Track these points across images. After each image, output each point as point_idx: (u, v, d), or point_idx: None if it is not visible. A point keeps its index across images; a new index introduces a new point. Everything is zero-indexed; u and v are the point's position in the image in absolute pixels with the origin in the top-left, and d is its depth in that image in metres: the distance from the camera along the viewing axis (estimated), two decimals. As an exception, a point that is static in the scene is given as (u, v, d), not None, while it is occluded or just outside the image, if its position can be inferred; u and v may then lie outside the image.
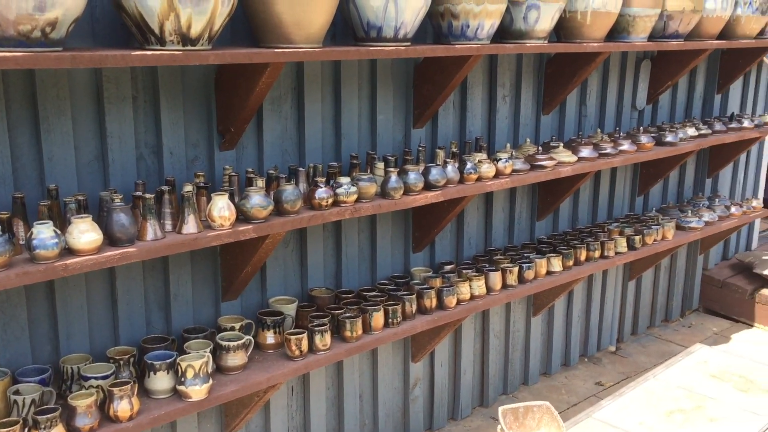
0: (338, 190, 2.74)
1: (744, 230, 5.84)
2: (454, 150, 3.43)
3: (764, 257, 5.42)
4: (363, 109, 3.22)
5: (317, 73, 3.00)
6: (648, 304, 5.12)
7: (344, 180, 2.77)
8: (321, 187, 2.70)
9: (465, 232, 3.77)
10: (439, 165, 3.12)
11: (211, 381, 2.46)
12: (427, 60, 3.27)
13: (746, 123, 4.81)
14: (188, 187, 2.42)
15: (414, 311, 3.17)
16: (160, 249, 2.29)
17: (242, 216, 2.51)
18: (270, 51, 2.44)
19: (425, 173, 3.08)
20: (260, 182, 2.61)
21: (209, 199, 2.46)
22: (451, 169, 3.15)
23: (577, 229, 4.33)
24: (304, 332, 2.77)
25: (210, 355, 2.51)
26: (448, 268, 3.55)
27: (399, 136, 3.40)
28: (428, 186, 3.07)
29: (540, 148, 3.63)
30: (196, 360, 2.42)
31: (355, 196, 2.78)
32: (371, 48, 2.74)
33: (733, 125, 4.75)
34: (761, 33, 4.73)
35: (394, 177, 2.93)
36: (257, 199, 2.49)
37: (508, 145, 3.65)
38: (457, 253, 3.79)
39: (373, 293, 3.19)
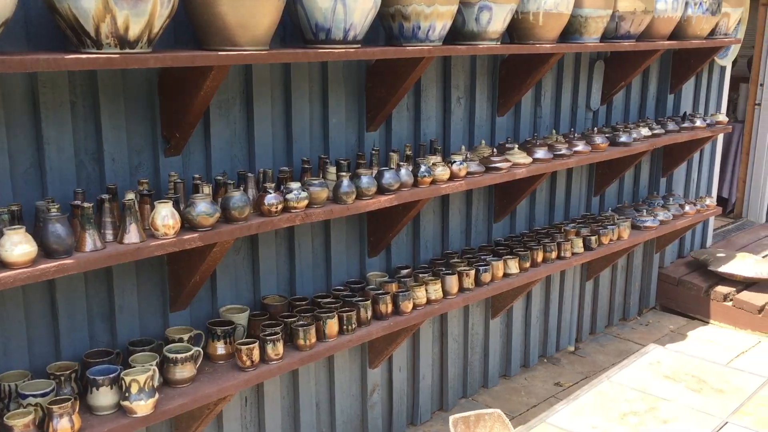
0: (288, 196, 2.68)
1: (699, 228, 5.91)
2: (409, 153, 3.40)
3: (719, 255, 5.50)
4: (315, 112, 3.17)
5: (266, 76, 2.94)
6: (606, 303, 5.15)
7: (294, 185, 2.71)
8: (270, 193, 2.63)
9: (421, 236, 3.73)
10: (392, 168, 3.07)
11: (157, 395, 2.38)
12: (379, 62, 3.23)
13: (699, 122, 4.87)
14: (130, 195, 2.34)
15: (369, 317, 3.12)
16: (100, 260, 2.20)
17: (188, 224, 2.43)
18: (213, 54, 2.37)
19: (378, 177, 3.03)
20: (207, 189, 2.53)
21: (153, 207, 2.38)
22: (405, 173, 3.11)
23: (534, 230, 4.33)
24: (256, 342, 2.70)
25: (156, 369, 2.42)
26: (404, 272, 3.50)
27: (352, 140, 3.35)
28: (381, 190, 3.03)
29: (495, 149, 3.62)
30: (141, 374, 2.34)
31: (305, 202, 2.72)
32: (320, 50, 2.68)
33: (686, 125, 4.80)
34: (712, 33, 4.79)
35: (346, 181, 2.87)
36: (203, 207, 2.42)
37: (463, 147, 3.62)
38: (414, 256, 3.75)
39: (328, 300, 3.14)
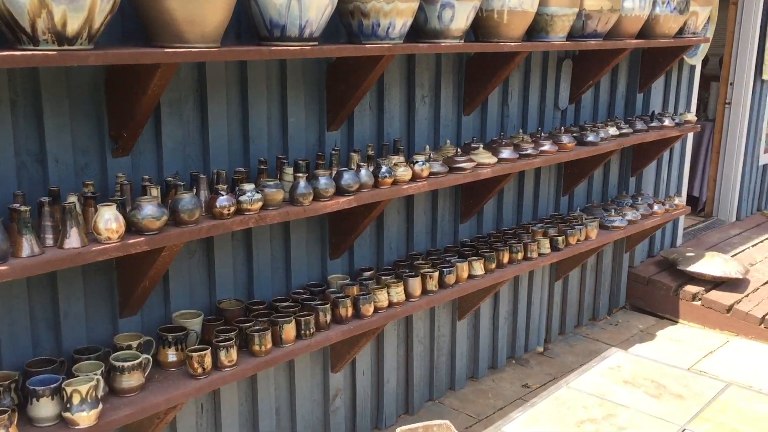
0: (241, 198, 2.60)
1: (669, 227, 5.91)
2: (371, 153, 3.33)
3: (688, 254, 5.50)
4: (273, 111, 3.09)
5: (221, 74, 2.85)
6: (575, 303, 5.13)
7: (248, 187, 2.63)
8: (222, 195, 2.55)
9: (385, 237, 3.67)
10: (351, 169, 3.00)
11: (101, 406, 2.29)
12: (339, 60, 3.16)
13: (667, 122, 4.85)
14: (71, 198, 2.25)
15: (329, 321, 3.05)
16: (38, 266, 2.11)
17: (133, 228, 2.34)
18: (159, 51, 2.28)
19: (337, 178, 2.96)
20: (154, 191, 2.45)
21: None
22: (365, 173, 3.04)
23: (502, 230, 4.28)
24: (208, 348, 2.62)
25: (100, 378, 2.33)
26: (367, 274, 3.44)
27: (313, 139, 3.27)
28: (340, 191, 2.95)
29: (459, 149, 3.56)
30: (83, 384, 2.25)
31: (259, 204, 2.64)
32: (273, 48, 2.60)
33: (654, 124, 4.78)
34: (680, 32, 4.77)
35: (302, 182, 2.80)
36: (149, 210, 2.33)
37: (427, 147, 3.56)
38: (378, 258, 3.68)
39: (286, 304, 3.06)
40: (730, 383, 2.46)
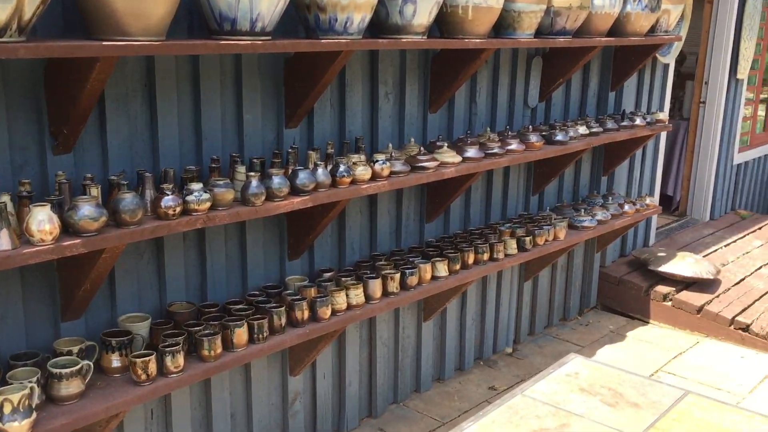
0: (188, 198, 2.51)
1: (641, 226, 5.88)
2: (330, 151, 3.23)
3: (659, 254, 5.47)
4: (228, 107, 2.99)
5: (171, 69, 2.75)
6: (545, 303, 5.07)
7: (195, 186, 2.53)
8: (168, 195, 2.45)
9: (347, 237, 3.58)
10: (307, 168, 2.91)
11: (35, 415, 2.19)
12: (297, 56, 3.06)
13: (638, 121, 4.80)
14: (3, 198, 2.14)
15: (284, 324, 2.96)
16: (-37, 270, 2.00)
17: (70, 229, 2.24)
18: (96, 44, 2.18)
19: (292, 177, 2.87)
20: (94, 190, 2.34)
21: (32, 211, 2.18)
22: (322, 173, 2.96)
23: (469, 230, 4.21)
24: (152, 354, 2.52)
25: (35, 386, 2.23)
26: (327, 275, 3.35)
27: (271, 137, 3.17)
28: (296, 191, 2.86)
29: (422, 148, 3.48)
30: (15, 393, 2.14)
31: (208, 204, 2.55)
32: (222, 42, 2.50)
33: (625, 123, 4.73)
34: (652, 30, 4.72)
35: (254, 182, 2.71)
36: (87, 210, 2.23)
37: (390, 145, 3.48)
38: (340, 259, 3.60)
39: (240, 306, 2.97)
40: (688, 392, 2.41)
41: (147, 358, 2.49)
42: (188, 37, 2.73)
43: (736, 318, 4.95)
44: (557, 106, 4.73)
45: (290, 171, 2.91)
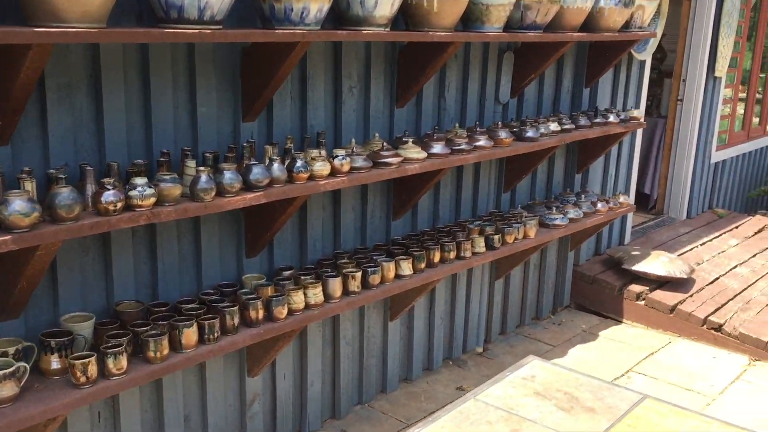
0: (131, 193, 2.40)
1: (617, 225, 5.82)
2: (289, 146, 3.14)
3: (633, 252, 5.41)
4: (180, 99, 2.88)
5: (118, 59, 2.64)
6: (517, 302, 5.00)
7: (139, 181, 2.43)
8: (109, 190, 2.35)
9: (309, 234, 3.49)
10: (261, 163, 2.81)
11: (-38, 420, 2.09)
12: (254, 47, 2.96)
13: (612, 118, 4.73)
14: (-73, 192, 2.03)
15: (237, 324, 2.87)
16: None
17: (2, 225, 2.13)
18: (28, 30, 2.07)
19: (245, 172, 2.77)
20: (28, 184, 2.24)
21: (-41, 205, 2.08)
22: (278, 168, 2.86)
23: (437, 228, 4.12)
24: (93, 355, 2.42)
25: (-38, 390, 2.13)
26: (286, 274, 3.26)
27: (227, 131, 3.07)
28: (249, 186, 2.77)
29: (385, 143, 3.39)
30: (-61, 397, 2.04)
31: (152, 199, 2.44)
32: (167, 31, 2.40)
33: (599, 120, 4.66)
34: (626, 26, 4.65)
35: (204, 177, 2.60)
36: (18, 205, 2.12)
37: (354, 140, 3.38)
38: (302, 257, 3.50)
39: (191, 306, 2.87)
40: (646, 396, 2.33)
41: (87, 360, 2.38)
42: (137, 26, 2.62)
43: (709, 318, 4.91)
44: (530, 102, 4.65)
45: (244, 166, 2.81)
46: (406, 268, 3.53)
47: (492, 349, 4.75)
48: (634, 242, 6.03)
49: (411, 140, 3.50)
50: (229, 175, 2.68)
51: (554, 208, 4.56)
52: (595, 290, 5.35)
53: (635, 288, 5.21)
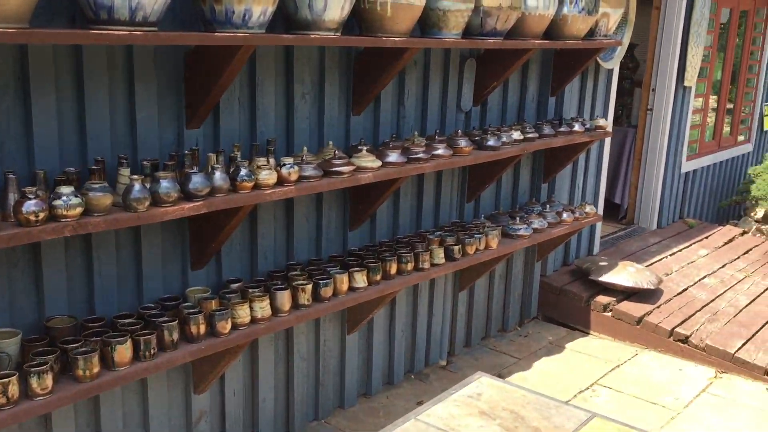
0: (55, 203, 2.28)
1: (585, 235, 5.76)
2: (236, 153, 3.02)
3: (601, 263, 5.34)
4: (118, 105, 2.76)
5: (48, 61, 2.52)
6: (482, 314, 4.91)
7: (65, 190, 2.30)
8: (30, 199, 2.22)
9: (260, 245, 3.37)
10: (201, 171, 2.70)
11: None
12: (197, 49, 2.85)
13: (577, 127, 4.67)
14: None
15: (176, 340, 2.74)
16: None
17: None
18: (-65, 30, 1.95)
19: (184, 181, 2.65)
20: (-60, 193, 2.11)
21: None
22: (220, 176, 2.74)
23: (396, 239, 4.02)
24: (14, 374, 2.29)
25: None
26: (234, 287, 3.14)
27: (170, 138, 2.95)
28: (188, 196, 2.65)
29: (337, 152, 3.28)
30: None
31: (79, 209, 2.32)
32: (94, 32, 2.28)
33: (563, 129, 4.59)
34: (591, 34, 4.59)
35: (137, 186, 2.48)
36: (-74, 216, 1.99)
37: (305, 148, 3.28)
38: (252, 269, 3.38)
39: (128, 321, 2.74)
40: (594, 414, 2.24)
41: (6, 380, 2.25)
42: (69, 28, 2.50)
43: (676, 329, 4.84)
44: (494, 110, 4.57)
45: (184, 174, 2.69)
46: (361, 280, 3.42)
47: (456, 362, 4.65)
48: (603, 252, 5.97)
49: (365, 148, 3.40)
50: (165, 184, 2.56)
51: (518, 218, 4.48)
52: (562, 301, 5.27)
53: (602, 299, 5.14)
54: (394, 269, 3.61)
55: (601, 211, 5.85)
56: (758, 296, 5.51)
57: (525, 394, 2.35)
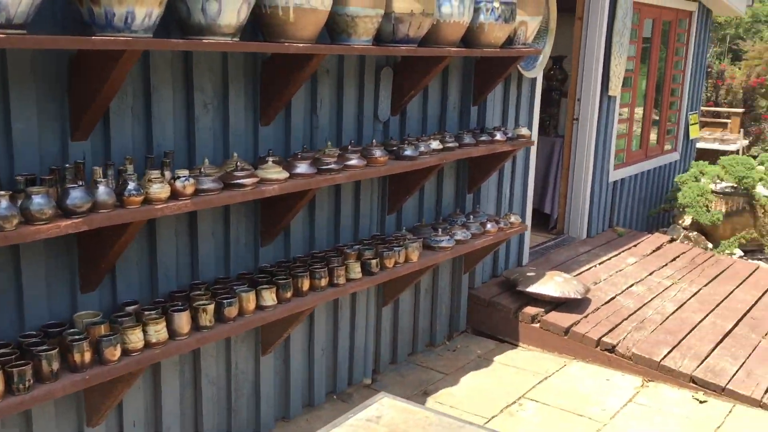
0: None
1: (514, 246, 5.70)
2: (128, 167, 2.82)
3: (529, 274, 5.28)
4: (-9, 115, 2.54)
5: None
6: (409, 329, 4.78)
7: None
8: None
9: (160, 264, 3.16)
10: (81, 186, 2.50)
11: None
12: (81, 55, 2.66)
13: (498, 136, 4.60)
14: None
15: (56, 370, 2.52)
16: None
17: None
18: None
19: (63, 196, 2.45)
20: None
21: None
22: (104, 191, 2.55)
23: (312, 254, 3.86)
24: None
25: None
26: (129, 309, 2.93)
27: (53, 150, 2.74)
28: (67, 212, 2.44)
29: (238, 164, 3.11)
30: None
31: (-68, 230, 2.09)
32: (-55, 33, 2.08)
33: (484, 138, 4.52)
34: (510, 42, 4.55)
35: (4, 203, 2.27)
36: None
37: (206, 160, 3.10)
38: (152, 289, 3.17)
39: (3, 351, 2.50)
40: (498, 435, 2.12)
41: None
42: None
43: (603, 339, 4.80)
44: (413, 120, 4.47)
45: (63, 190, 2.48)
46: (269, 298, 3.25)
47: (381, 380, 4.50)
48: (532, 263, 5.92)
49: (271, 160, 3.24)
50: (38, 200, 2.35)
51: (440, 230, 4.37)
52: (491, 314, 5.19)
53: (530, 310, 5.07)
54: (306, 285, 3.44)
55: (529, 220, 5.81)
56: (684, 303, 5.54)
57: (428, 416, 2.22)
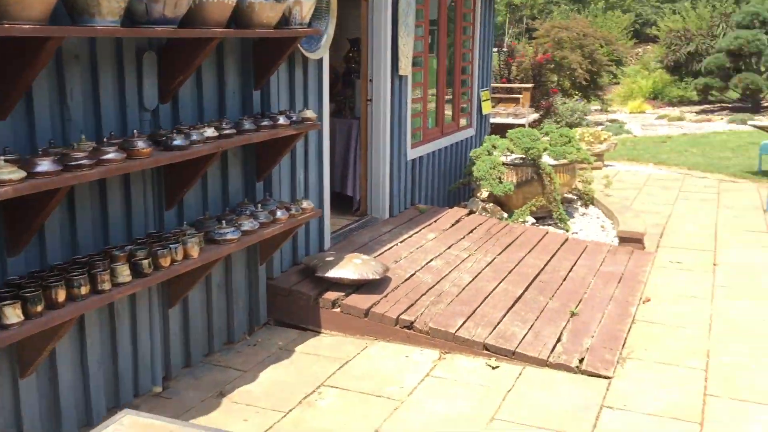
0: None
1: (314, 231, 5.61)
2: None
3: (328, 258, 5.22)
4: None
5: None
6: (202, 328, 4.53)
7: None
8: None
9: None
10: None
11: None
12: None
13: (282, 120, 4.45)
14: None
15: None
16: None
17: None
18: None
19: None
20: None
21: None
22: None
23: (74, 259, 3.49)
24: None
25: None
26: None
27: None
28: None
29: (-41, 165, 2.71)
30: None
31: None
32: None
33: (265, 123, 4.34)
34: (285, 22, 4.39)
35: None
36: None
37: None
38: None
39: None
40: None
41: None
42: None
43: (401, 316, 4.85)
44: (188, 107, 4.20)
45: None
46: (13, 315, 2.88)
47: (173, 387, 4.22)
48: (335, 246, 5.87)
49: (4, 158, 2.85)
50: None
51: (224, 222, 4.15)
52: (292, 303, 5.07)
53: (330, 295, 5.01)
54: (63, 296, 3.10)
55: (327, 204, 5.74)
56: (479, 273, 5.74)
57: (174, 429, 2.02)
